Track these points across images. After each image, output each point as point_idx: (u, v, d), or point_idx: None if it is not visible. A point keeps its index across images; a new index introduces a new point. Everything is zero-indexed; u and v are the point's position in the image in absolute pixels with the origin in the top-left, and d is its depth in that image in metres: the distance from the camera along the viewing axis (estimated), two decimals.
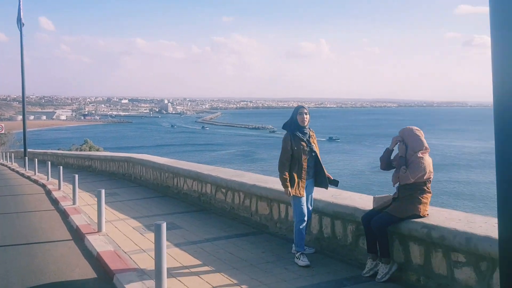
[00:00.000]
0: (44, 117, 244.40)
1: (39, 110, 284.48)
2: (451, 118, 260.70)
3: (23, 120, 24.71)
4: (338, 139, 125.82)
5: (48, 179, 16.15)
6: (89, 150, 41.27)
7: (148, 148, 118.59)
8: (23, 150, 27.66)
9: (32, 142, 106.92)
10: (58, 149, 57.55)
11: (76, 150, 40.87)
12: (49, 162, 17.05)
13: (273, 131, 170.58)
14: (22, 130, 27.45)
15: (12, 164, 27.40)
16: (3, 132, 30.03)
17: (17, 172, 22.52)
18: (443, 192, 58.13)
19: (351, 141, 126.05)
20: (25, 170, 21.83)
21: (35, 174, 18.92)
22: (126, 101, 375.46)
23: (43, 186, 15.02)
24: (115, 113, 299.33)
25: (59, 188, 13.35)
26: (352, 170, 79.30)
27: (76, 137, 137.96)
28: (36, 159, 20.51)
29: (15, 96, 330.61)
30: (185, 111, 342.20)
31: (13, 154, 37.50)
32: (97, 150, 41.70)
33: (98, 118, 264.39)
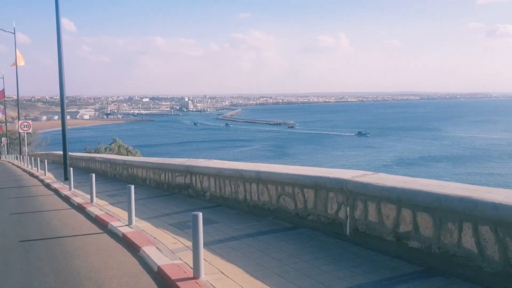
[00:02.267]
0: (68, 117, 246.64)
1: None
2: (476, 110, 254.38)
3: (63, 126, 17.09)
4: (368, 134, 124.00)
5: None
6: (118, 149, 40.95)
7: (174, 145, 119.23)
8: (62, 156, 25.49)
9: (57, 141, 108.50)
10: (84, 150, 57.96)
11: (105, 150, 40.64)
12: (93, 176, 11.77)
13: (292, 127, 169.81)
14: (48, 130, 26.89)
15: (44, 174, 20.77)
16: (29, 131, 29.11)
17: (59, 194, 14.74)
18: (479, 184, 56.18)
19: (380, 135, 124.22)
20: (70, 190, 14.69)
21: (92, 201, 11.63)
22: (147, 99, 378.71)
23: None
24: (136, 111, 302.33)
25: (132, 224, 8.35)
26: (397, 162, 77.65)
27: (100, 135, 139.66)
28: (71, 168, 16.08)
29: (39, 97, 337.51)
30: (205, 108, 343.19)
31: (44, 159, 29.84)
32: (127, 149, 41.39)
33: (120, 117, 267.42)
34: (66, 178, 16.93)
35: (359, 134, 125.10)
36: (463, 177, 64.54)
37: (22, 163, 32.36)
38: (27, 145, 49.89)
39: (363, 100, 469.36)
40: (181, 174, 11.32)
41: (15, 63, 31.91)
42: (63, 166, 19.10)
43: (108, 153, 37.05)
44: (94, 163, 22.02)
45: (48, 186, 17.26)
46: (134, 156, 37.81)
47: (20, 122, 29.43)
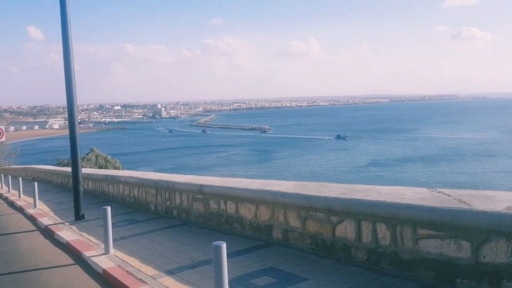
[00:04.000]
0: (36, 127, 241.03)
1: (32, 120, 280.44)
2: (445, 111, 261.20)
3: (72, 135, 11.06)
4: (347, 137, 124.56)
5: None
6: (96, 159, 39.23)
7: (149, 153, 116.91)
8: (46, 172, 22.17)
9: (27, 153, 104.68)
10: (57, 161, 55.20)
11: (82, 160, 38.79)
12: (109, 210, 7.33)
13: (264, 131, 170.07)
14: (16, 141, 24.16)
15: (34, 206, 13.08)
16: (3, 139, 23.90)
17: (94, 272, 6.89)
18: (460, 184, 57.37)
19: (357, 137, 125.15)
20: (108, 252, 7.34)
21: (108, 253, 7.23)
22: (119, 107, 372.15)
23: None
24: (108, 120, 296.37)
25: None
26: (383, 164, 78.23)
27: None
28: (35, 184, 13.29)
29: (6, 107, 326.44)
30: (179, 115, 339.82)
31: (22, 176, 25.86)
32: (105, 158, 39.72)
33: (91, 125, 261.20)
34: (80, 216, 10.34)
35: (338, 137, 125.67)
36: (437, 176, 65.74)
37: None
38: None
39: (335, 103, 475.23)
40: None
41: None
42: (65, 191, 16.28)
43: (87, 165, 35.35)
44: (116, 185, 13.05)
45: (55, 239, 9.06)
46: (115, 166, 36.34)
47: None
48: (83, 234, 8.97)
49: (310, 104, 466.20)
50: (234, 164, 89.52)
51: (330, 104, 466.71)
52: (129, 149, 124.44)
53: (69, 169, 20.86)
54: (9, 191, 18.82)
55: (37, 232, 9.94)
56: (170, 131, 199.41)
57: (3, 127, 23.97)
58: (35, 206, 12.91)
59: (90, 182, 15.60)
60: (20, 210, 13.36)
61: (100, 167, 36.06)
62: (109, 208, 7.29)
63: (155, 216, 10.21)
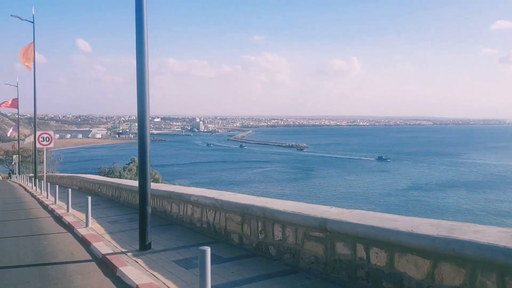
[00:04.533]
0: (80, 136, 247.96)
1: (76, 128, 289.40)
2: (491, 136, 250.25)
3: (142, 146, 8.14)
4: (388, 159, 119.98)
5: None
6: (137, 170, 37.96)
7: (186, 165, 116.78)
8: (95, 183, 19.66)
9: (71, 160, 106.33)
10: (98, 169, 54.66)
11: (123, 170, 37.73)
12: (208, 254, 4.96)
13: (301, 149, 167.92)
14: (60, 148, 22.67)
15: (86, 224, 10.88)
16: (51, 145, 22.59)
17: None
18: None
19: (399, 160, 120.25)
20: None
21: None
22: (159, 119, 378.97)
23: None
24: None
25: None
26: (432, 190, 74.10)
27: (112, 154, 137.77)
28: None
29: (53, 115, 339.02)
30: (216, 129, 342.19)
31: (68, 185, 26.50)
32: None
33: (132, 136, 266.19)
34: (146, 246, 7.96)
35: (379, 159, 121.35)
36: (482, 204, 61.43)
37: (37, 189, 24.97)
38: (40, 163, 45.69)
39: (375, 124, 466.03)
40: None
41: (33, 59, 25.92)
42: (117, 206, 14.54)
43: (127, 175, 33.97)
44: (182, 205, 10.37)
45: (118, 278, 6.70)
46: (154, 177, 34.89)
47: (39, 133, 22.42)
48: (156, 274, 6.49)
49: (349, 123, 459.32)
50: (270, 181, 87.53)
51: (370, 124, 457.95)
52: (168, 161, 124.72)
53: (120, 180, 18.89)
54: (55, 202, 16.87)
55: (93, 264, 7.61)
56: (207, 145, 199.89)
57: (52, 133, 22.87)
58: (87, 224, 10.84)
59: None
60: (69, 228, 11.27)
61: None
62: (208, 251, 4.69)
63: (243, 252, 7.53)
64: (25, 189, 28.73)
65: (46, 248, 8.97)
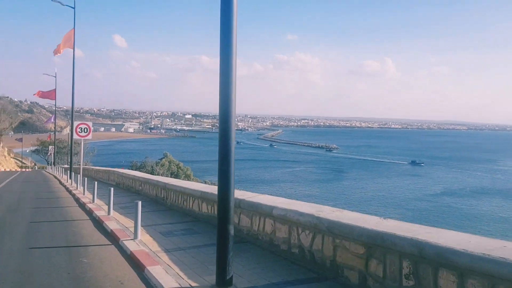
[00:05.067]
0: (113, 129, 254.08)
1: (109, 122, 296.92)
2: None
3: (223, 144, 5.82)
4: (422, 164, 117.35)
5: None
6: (169, 165, 38.62)
7: (216, 162, 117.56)
8: (154, 186, 15.48)
9: (104, 153, 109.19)
10: (131, 164, 55.72)
11: (156, 164, 38.43)
12: None
13: (330, 150, 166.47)
14: (94, 141, 20.47)
15: (107, 213, 12.12)
16: (89, 137, 20.86)
17: None
18: None
19: (433, 165, 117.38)
20: None
21: None
22: (190, 116, 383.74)
23: None
24: (179, 127, 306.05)
25: None
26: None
27: (144, 149, 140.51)
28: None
29: (88, 109, 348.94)
30: (246, 128, 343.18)
31: (105, 179, 25.81)
32: (177, 165, 39.06)
33: (163, 131, 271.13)
34: (226, 281, 5.53)
35: (413, 163, 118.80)
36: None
37: (73, 183, 23.44)
38: (75, 155, 46.19)
39: (407, 127, 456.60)
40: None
41: (73, 45, 25.00)
42: (165, 210, 12.52)
43: (160, 170, 34.58)
44: (259, 219, 7.82)
45: None
46: (186, 173, 35.33)
47: (77, 123, 20.64)
48: None
49: (381, 126, 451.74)
50: (300, 181, 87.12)
51: (402, 127, 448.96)
52: (198, 157, 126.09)
53: (167, 179, 15.92)
54: (93, 200, 15.11)
55: None
56: (237, 143, 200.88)
57: (90, 124, 21.35)
58: (135, 236, 8.64)
59: (207, 205, 10.40)
60: (113, 238, 9.16)
61: (172, 174, 35.24)
62: None
63: None
64: (60, 182, 27.56)
65: (86, 271, 6.63)
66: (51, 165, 48.45)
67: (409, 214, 55.67)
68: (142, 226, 9.28)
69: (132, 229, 8.98)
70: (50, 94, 40.15)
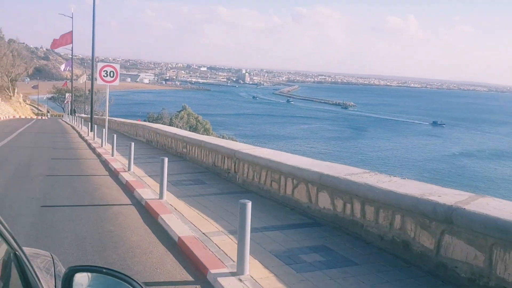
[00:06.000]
0: (128, 79, 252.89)
1: (124, 72, 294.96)
2: None
3: None
4: (444, 125, 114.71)
5: None
6: (188, 118, 37.47)
7: (231, 116, 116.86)
8: (171, 139, 14.90)
9: (118, 102, 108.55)
10: (148, 115, 54.72)
11: (175, 117, 37.34)
12: None
13: (346, 107, 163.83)
14: (110, 91, 16.79)
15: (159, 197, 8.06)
16: (115, 83, 17.08)
17: None
18: None
19: (455, 126, 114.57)
20: None
21: None
22: (205, 68, 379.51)
23: None
24: (194, 80, 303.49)
25: None
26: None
27: (159, 100, 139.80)
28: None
29: (103, 58, 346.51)
30: (262, 82, 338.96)
31: (131, 134, 22.76)
32: (196, 118, 37.93)
33: (178, 83, 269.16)
34: None
35: (434, 124, 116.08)
36: None
37: (95, 138, 20.17)
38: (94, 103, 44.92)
39: (427, 86, 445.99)
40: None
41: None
42: (227, 182, 9.64)
43: (179, 123, 33.50)
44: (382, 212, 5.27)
45: None
46: (205, 127, 34.26)
47: (101, 66, 16.69)
48: None
49: (400, 84, 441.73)
50: (315, 138, 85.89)
51: (422, 87, 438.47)
52: (213, 110, 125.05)
53: (236, 145, 11.31)
54: (129, 168, 11.04)
55: None
56: (254, 97, 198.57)
57: (117, 67, 17.20)
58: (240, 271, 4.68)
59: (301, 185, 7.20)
60: (171, 245, 5.87)
61: (190, 127, 34.15)
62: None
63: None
64: (80, 135, 24.58)
65: None
66: (70, 114, 46.65)
67: (426, 175, 54.43)
68: (209, 211, 7.17)
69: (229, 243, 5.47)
70: (66, 39, 36.06)
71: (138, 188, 8.96)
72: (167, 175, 8.17)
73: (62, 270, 2.28)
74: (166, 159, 8.11)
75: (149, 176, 10.56)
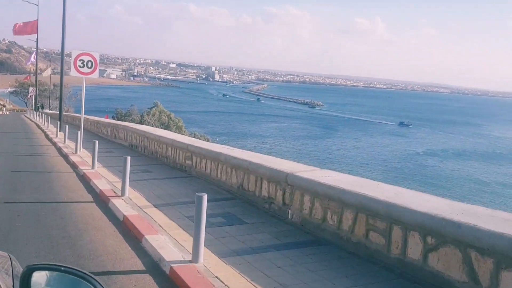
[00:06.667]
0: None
1: None
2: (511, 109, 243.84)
3: None
4: (410, 125, 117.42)
5: None
6: (159, 115, 36.90)
7: (200, 114, 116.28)
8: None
9: (86, 98, 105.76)
10: (116, 111, 53.48)
11: (147, 114, 36.71)
12: None
13: (313, 107, 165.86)
14: (75, 85, 16.87)
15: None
16: (93, 75, 14.27)
17: None
18: None
19: (420, 126, 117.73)
20: None
21: None
22: (174, 65, 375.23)
23: None
24: (163, 76, 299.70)
25: None
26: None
27: (127, 96, 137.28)
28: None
29: (69, 52, 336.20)
30: (231, 80, 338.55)
31: (97, 133, 21.01)
32: (168, 115, 37.46)
33: (146, 80, 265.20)
34: None
35: (401, 124, 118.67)
36: (499, 178, 60.17)
37: (66, 141, 17.34)
38: (56, 99, 42.77)
39: (392, 87, 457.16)
40: None
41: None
42: (235, 199, 7.59)
43: (151, 120, 33.04)
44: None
45: None
46: (178, 125, 33.91)
47: (77, 54, 13.76)
48: None
49: (366, 85, 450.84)
50: (284, 137, 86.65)
51: (387, 88, 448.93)
52: (182, 107, 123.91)
53: (250, 154, 8.73)
54: (123, 192, 7.90)
55: None
56: (224, 95, 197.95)
57: (96, 56, 14.13)
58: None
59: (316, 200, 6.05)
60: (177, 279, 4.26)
61: (162, 125, 33.73)
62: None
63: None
64: (47, 136, 21.37)
65: None
66: (35, 110, 44.27)
67: (391, 174, 55.81)
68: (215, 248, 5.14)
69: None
70: (31, 27, 33.21)
71: (148, 234, 5.64)
72: (178, 202, 6.42)
73: (20, 270, 2.21)
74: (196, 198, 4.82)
75: (154, 206, 7.14)
